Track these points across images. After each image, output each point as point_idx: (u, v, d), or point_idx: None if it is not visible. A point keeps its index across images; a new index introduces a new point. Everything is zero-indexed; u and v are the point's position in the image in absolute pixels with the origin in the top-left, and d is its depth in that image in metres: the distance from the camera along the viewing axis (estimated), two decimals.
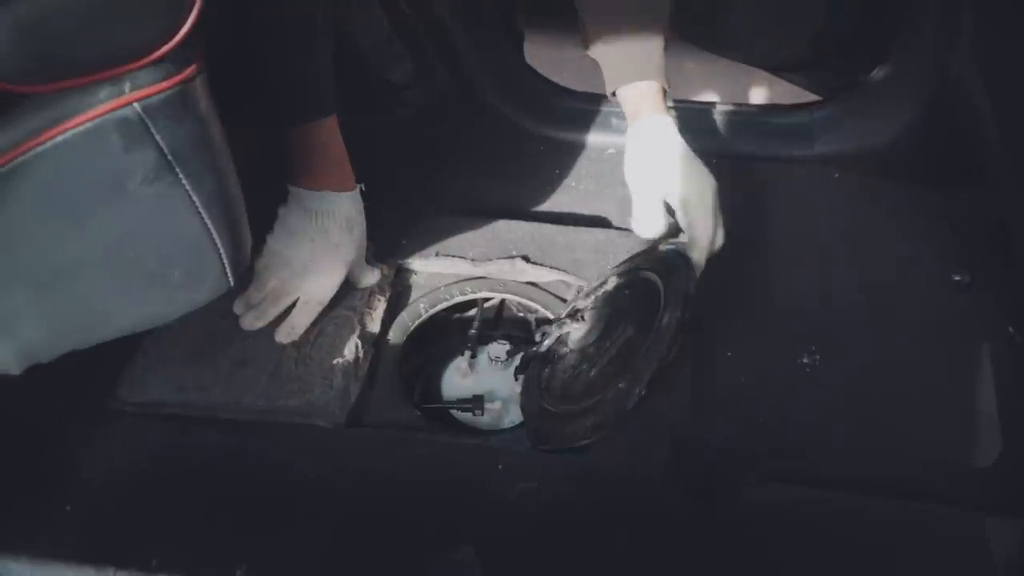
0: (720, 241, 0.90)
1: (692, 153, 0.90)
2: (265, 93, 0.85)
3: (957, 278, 1.01)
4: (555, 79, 1.27)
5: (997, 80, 1.01)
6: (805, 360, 0.95)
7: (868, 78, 1.17)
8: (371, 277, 0.96)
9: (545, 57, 1.32)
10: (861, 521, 0.80)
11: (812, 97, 1.24)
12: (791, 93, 1.28)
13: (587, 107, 1.24)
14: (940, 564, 0.77)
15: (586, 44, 0.93)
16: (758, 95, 1.42)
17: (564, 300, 0.98)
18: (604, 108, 1.23)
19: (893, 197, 1.12)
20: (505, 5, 1.27)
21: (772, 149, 1.18)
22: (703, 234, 0.87)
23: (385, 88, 1.15)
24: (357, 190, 0.92)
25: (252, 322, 0.91)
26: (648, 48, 0.91)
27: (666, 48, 0.92)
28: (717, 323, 0.98)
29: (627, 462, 0.83)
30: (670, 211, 0.90)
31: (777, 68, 1.32)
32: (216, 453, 0.85)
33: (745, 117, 1.21)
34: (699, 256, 0.88)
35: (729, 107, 1.22)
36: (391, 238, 1.02)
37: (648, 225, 0.90)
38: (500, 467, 0.82)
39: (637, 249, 1.00)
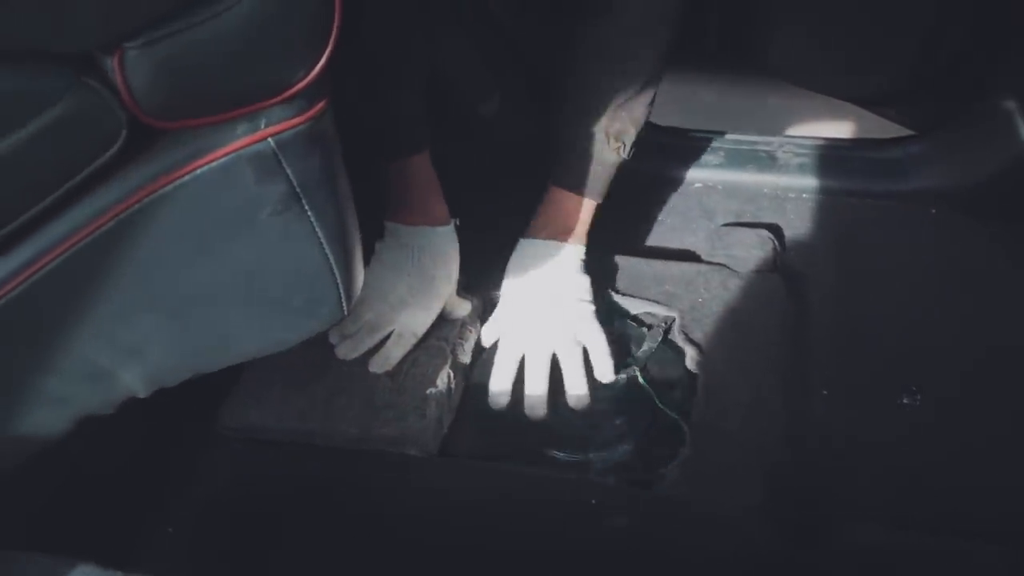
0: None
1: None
2: (363, 129, 0.87)
3: None
4: None
5: None
6: (905, 400, 0.93)
7: (966, 112, 1.14)
8: (463, 309, 0.97)
9: None
10: (961, 567, 0.77)
11: (904, 131, 1.22)
12: (880, 127, 1.26)
13: (672, 141, 1.24)
14: None
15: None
16: (847, 129, 1.39)
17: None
18: (689, 143, 1.23)
19: (991, 235, 1.08)
20: None
21: (864, 184, 1.16)
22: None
23: (474, 120, 1.17)
24: (452, 225, 0.94)
25: (347, 352, 0.93)
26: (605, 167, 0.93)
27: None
28: (812, 360, 0.96)
29: (719, 499, 0.81)
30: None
31: (868, 102, 1.30)
32: (313, 480, 0.86)
33: (836, 151, 1.20)
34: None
35: (819, 142, 1.21)
36: (481, 270, 1.03)
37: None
38: (593, 502, 0.81)
39: (730, 285, 0.99)
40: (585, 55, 0.91)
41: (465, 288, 1.01)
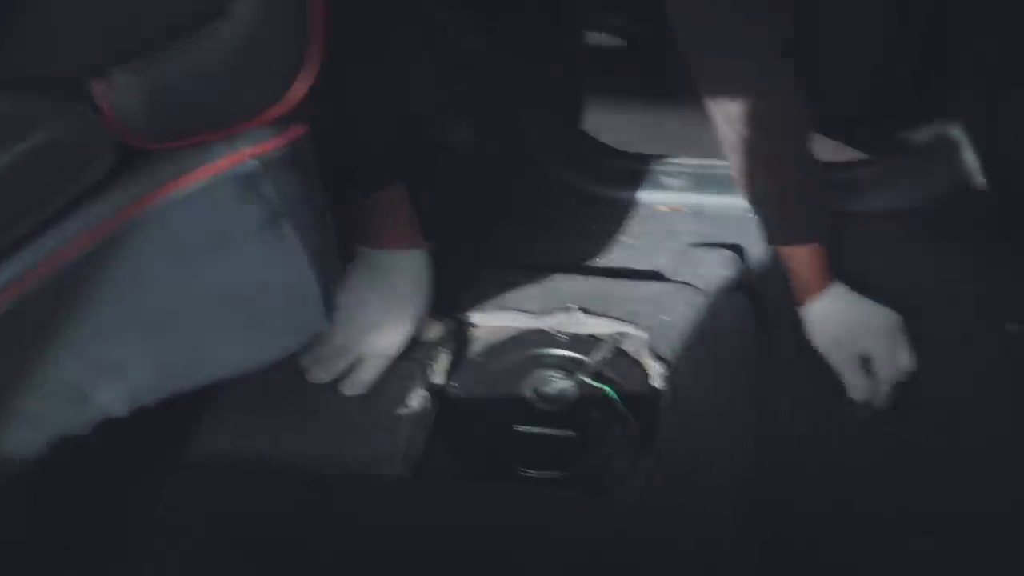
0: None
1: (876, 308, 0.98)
2: (338, 163, 0.88)
3: (1011, 327, 1.02)
4: (605, 139, 1.31)
5: None
6: (863, 413, 0.96)
7: (916, 137, 1.19)
8: (435, 331, 0.98)
9: (596, 118, 1.36)
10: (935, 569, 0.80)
11: (859, 155, 1.26)
12: (835, 151, 1.30)
13: (638, 167, 1.27)
14: None
15: (744, 191, 0.99)
16: None
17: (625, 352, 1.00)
18: (655, 167, 1.26)
19: (939, 251, 1.13)
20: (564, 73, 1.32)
21: None
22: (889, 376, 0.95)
23: (443, 150, 1.19)
24: (426, 248, 0.95)
25: (319, 375, 0.93)
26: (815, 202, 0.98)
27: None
28: (779, 375, 0.99)
29: (690, 512, 0.82)
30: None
31: (823, 128, 1.34)
32: (285, 503, 0.86)
33: None
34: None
35: None
36: (451, 292, 1.05)
37: (862, 390, 0.95)
38: (565, 517, 0.82)
39: (694, 302, 1.02)
40: None
41: (436, 310, 1.02)
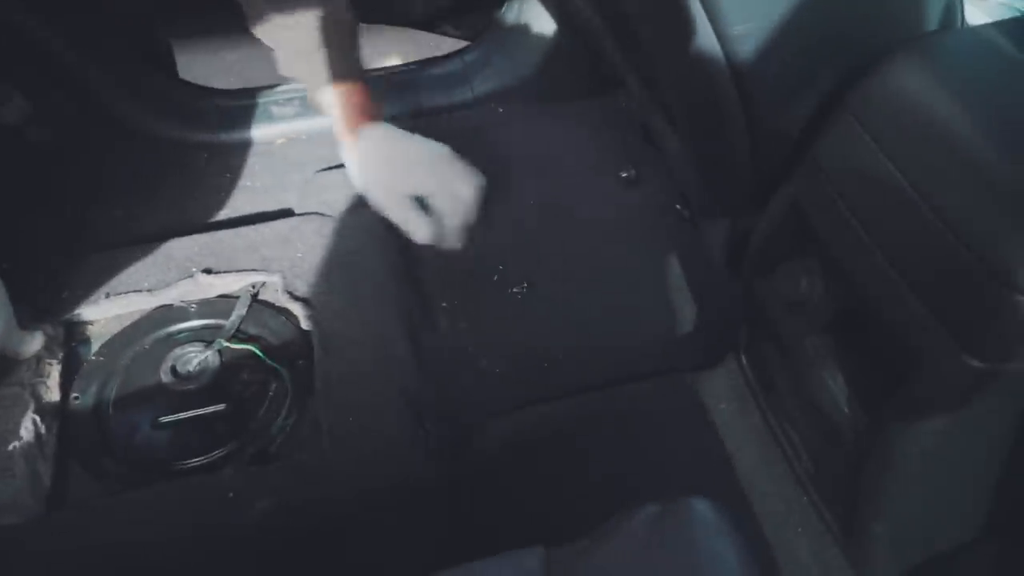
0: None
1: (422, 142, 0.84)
2: None
3: (624, 175, 1.09)
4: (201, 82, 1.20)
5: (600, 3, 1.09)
6: (515, 290, 0.99)
7: (501, 16, 1.22)
8: (32, 344, 0.84)
9: (182, 62, 1.24)
10: (594, 415, 0.85)
11: (460, 43, 1.27)
12: (437, 44, 1.30)
13: (244, 103, 1.17)
14: (664, 427, 0.83)
15: (254, 25, 0.82)
16: (411, 53, 1.43)
17: (265, 302, 0.93)
18: (261, 100, 1.18)
19: (555, 118, 1.18)
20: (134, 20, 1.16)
21: (437, 100, 1.19)
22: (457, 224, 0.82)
23: None
24: None
25: None
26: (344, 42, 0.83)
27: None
28: (426, 279, 0.99)
29: (363, 442, 0.80)
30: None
31: (426, 24, 1.34)
32: None
33: (406, 75, 1.22)
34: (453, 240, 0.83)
35: (390, 70, 1.22)
36: (49, 293, 0.91)
37: (424, 232, 0.80)
38: (231, 495, 0.76)
39: (326, 231, 0.97)
40: None
41: (35, 317, 0.88)
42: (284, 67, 0.83)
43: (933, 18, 0.60)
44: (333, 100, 0.84)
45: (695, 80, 0.66)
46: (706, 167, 0.77)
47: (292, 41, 0.82)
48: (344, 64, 0.84)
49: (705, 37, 0.62)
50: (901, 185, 0.54)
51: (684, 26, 0.64)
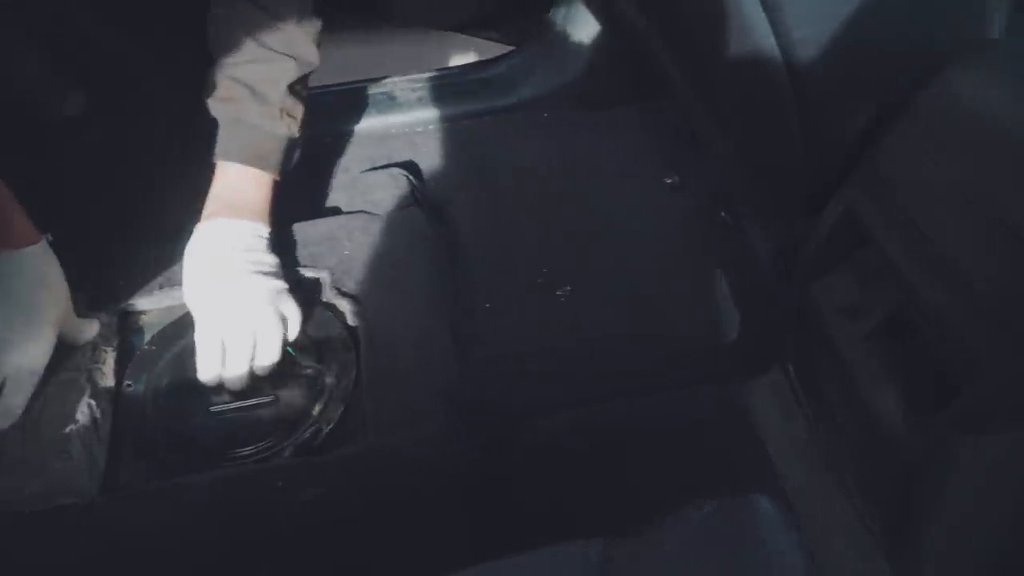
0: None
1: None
2: None
3: (668, 181, 1.10)
4: None
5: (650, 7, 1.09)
6: (558, 293, 0.99)
7: (547, 21, 1.23)
8: (89, 330, 0.86)
9: None
10: (635, 420, 0.85)
11: (504, 48, 1.28)
12: (481, 49, 1.32)
13: None
14: (705, 434, 0.83)
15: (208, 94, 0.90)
16: (453, 58, 1.45)
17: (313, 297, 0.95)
18: (310, 98, 1.19)
19: (599, 122, 1.18)
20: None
21: (479, 104, 1.21)
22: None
23: (54, 126, 1.03)
24: (43, 241, 0.82)
25: None
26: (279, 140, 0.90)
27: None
28: (469, 279, 0.99)
29: (404, 439, 0.81)
30: None
31: (466, 28, 1.35)
32: None
33: (448, 79, 1.23)
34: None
35: (432, 73, 1.23)
36: (106, 283, 0.93)
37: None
38: (279, 484, 0.77)
39: (372, 230, 0.98)
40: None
41: (91, 305, 0.90)
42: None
43: (998, 24, 0.60)
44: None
45: (752, 83, 0.66)
46: (758, 172, 0.77)
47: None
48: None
49: (765, 40, 0.62)
50: (966, 193, 0.53)
51: (743, 29, 0.64)
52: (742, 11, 0.64)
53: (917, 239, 0.58)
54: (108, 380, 0.86)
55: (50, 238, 0.83)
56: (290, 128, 0.92)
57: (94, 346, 0.87)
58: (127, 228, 1.01)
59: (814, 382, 0.79)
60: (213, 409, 0.85)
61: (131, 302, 0.92)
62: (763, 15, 0.62)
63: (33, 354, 0.80)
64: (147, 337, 0.91)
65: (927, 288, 0.58)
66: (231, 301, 0.84)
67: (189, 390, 0.86)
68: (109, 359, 0.87)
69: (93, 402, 0.82)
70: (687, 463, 0.80)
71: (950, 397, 0.58)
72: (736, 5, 0.64)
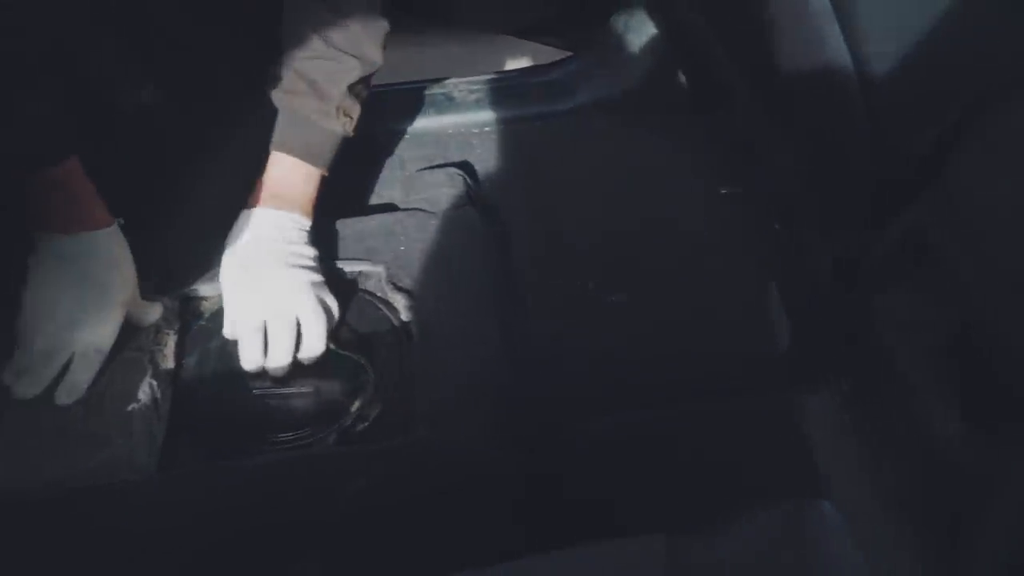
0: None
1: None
2: None
3: (724, 191, 1.10)
4: None
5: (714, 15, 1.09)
6: (612, 299, 1.00)
7: (607, 27, 1.24)
8: (153, 313, 0.89)
9: None
10: (684, 427, 0.85)
11: (562, 53, 1.29)
12: (539, 53, 1.33)
13: None
14: (756, 444, 0.83)
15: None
16: (512, 61, 1.46)
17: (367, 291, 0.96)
18: (370, 96, 1.22)
19: (656, 130, 1.19)
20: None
21: (536, 108, 1.22)
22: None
23: (127, 114, 1.07)
24: (115, 225, 0.85)
25: (27, 389, 0.81)
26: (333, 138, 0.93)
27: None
28: (520, 280, 1.00)
29: (452, 434, 0.82)
30: None
31: (526, 32, 1.36)
32: (26, 534, 0.75)
33: (506, 82, 1.24)
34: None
35: (490, 76, 1.25)
36: (173, 268, 0.95)
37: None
38: (328, 472, 0.79)
39: (428, 227, 1.00)
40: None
41: (157, 289, 0.92)
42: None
43: None
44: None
45: (822, 94, 0.66)
46: (821, 183, 0.77)
47: None
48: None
49: (838, 52, 0.63)
50: None
51: (815, 40, 0.64)
52: (814, 22, 0.64)
53: (986, 260, 0.58)
54: (168, 362, 0.88)
55: (121, 222, 0.86)
56: (345, 127, 0.93)
57: (157, 328, 0.89)
58: (190, 215, 1.04)
59: (869, 396, 0.79)
60: (259, 393, 0.87)
61: (193, 287, 0.95)
62: (836, 27, 0.62)
63: (102, 333, 0.83)
64: (204, 321, 0.94)
65: (994, 309, 0.58)
66: (268, 291, 0.86)
67: (239, 375, 0.88)
68: (170, 341, 0.90)
69: (154, 382, 0.84)
70: (737, 470, 0.80)
71: (1013, 417, 0.57)
72: (808, 16, 0.64)
